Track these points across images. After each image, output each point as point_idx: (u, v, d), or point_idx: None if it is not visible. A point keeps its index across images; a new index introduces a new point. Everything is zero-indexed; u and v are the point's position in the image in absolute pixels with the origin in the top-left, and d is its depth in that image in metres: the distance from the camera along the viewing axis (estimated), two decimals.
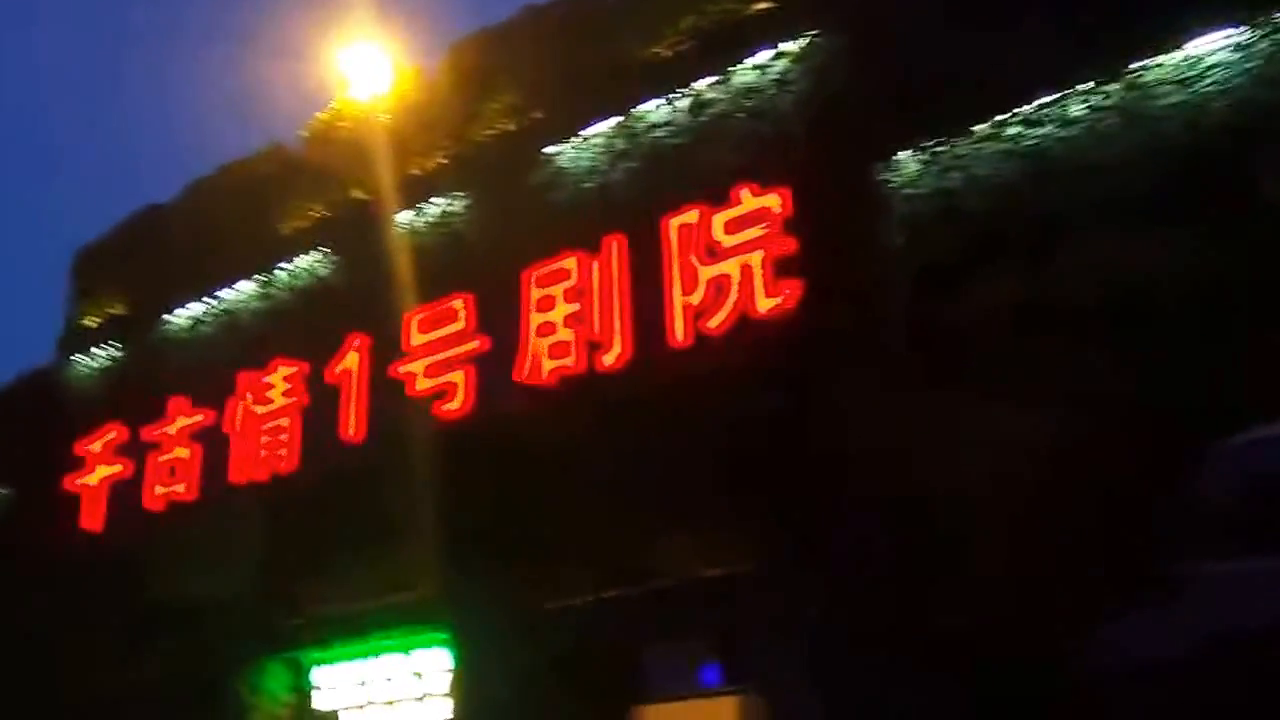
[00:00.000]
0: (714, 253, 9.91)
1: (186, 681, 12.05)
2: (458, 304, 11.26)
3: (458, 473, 10.72)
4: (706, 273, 9.90)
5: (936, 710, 7.86)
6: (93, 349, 14.49)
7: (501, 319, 10.95)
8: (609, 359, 10.19)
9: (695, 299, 9.89)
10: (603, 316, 10.33)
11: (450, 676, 10.96)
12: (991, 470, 7.79)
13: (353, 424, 11.68)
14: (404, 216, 12.05)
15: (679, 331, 9.88)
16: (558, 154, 11.22)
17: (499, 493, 10.44)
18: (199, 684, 11.97)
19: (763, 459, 9.12)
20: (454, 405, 10.99)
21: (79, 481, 13.73)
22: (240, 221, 13.33)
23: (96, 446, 13.73)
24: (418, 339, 11.46)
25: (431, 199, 11.91)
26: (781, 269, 9.53)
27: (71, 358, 14.70)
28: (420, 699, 11.42)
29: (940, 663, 7.82)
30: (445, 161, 11.95)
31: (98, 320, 14.52)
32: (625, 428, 9.90)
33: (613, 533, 9.82)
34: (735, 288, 9.70)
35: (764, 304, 9.53)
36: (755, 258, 9.66)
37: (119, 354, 14.32)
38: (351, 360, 11.89)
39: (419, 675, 11.47)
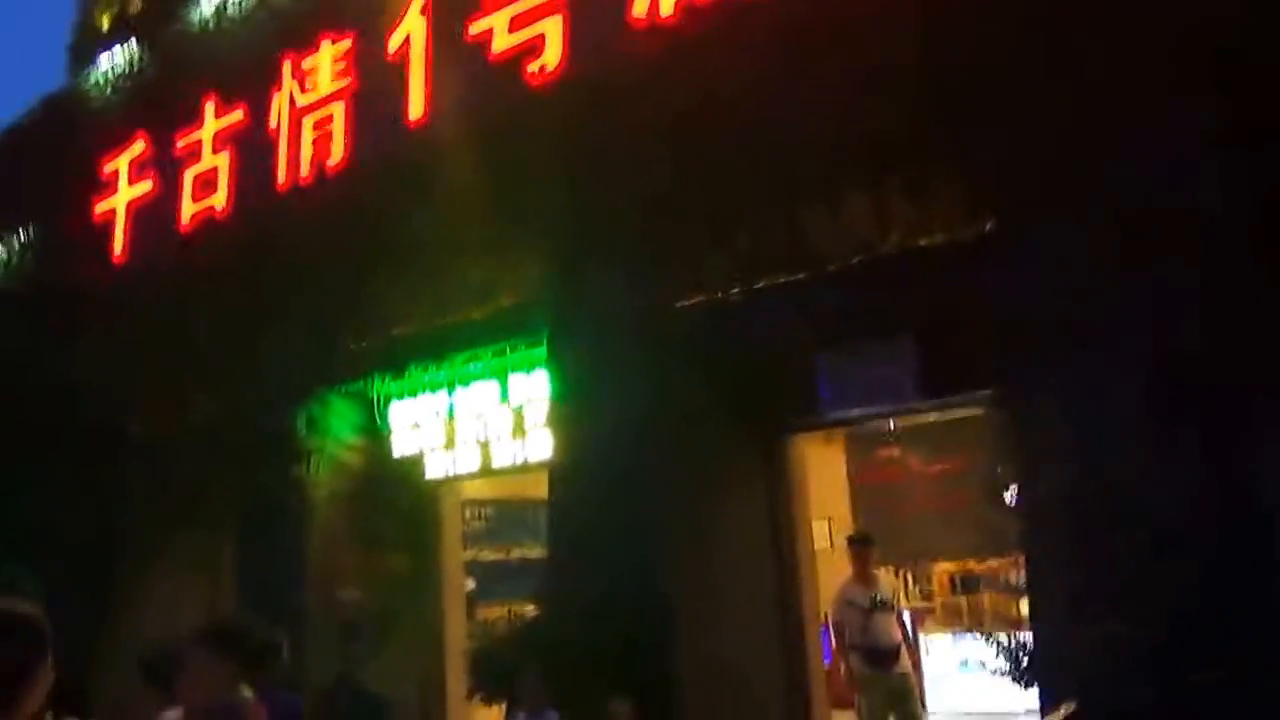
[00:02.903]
0: None
1: (240, 424, 10.12)
2: None
3: (552, 148, 8.37)
4: None
5: None
6: (109, 53, 12.15)
7: None
8: None
9: None
10: None
11: (549, 406, 8.83)
12: None
13: (418, 103, 9.33)
14: None
15: None
16: None
17: (607, 165, 8.10)
18: (255, 425, 10.03)
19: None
20: (546, 62, 8.57)
21: (104, 207, 11.62)
22: None
23: (122, 164, 11.58)
24: None
25: None
26: None
27: (86, 69, 12.40)
28: (515, 434, 9.37)
29: None
30: None
31: (111, 18, 12.15)
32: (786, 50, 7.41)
33: (767, 200, 7.51)
34: None
35: None
36: None
37: (139, 55, 11.99)
38: (414, 22, 9.47)
39: (514, 407, 9.38)
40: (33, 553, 9.52)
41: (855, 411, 7.95)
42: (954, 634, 9.88)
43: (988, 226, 6.79)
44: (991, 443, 7.63)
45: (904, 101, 7.00)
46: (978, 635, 6.34)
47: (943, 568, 13.51)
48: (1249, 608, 5.07)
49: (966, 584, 14.08)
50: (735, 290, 7.72)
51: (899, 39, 7.04)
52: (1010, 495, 14.96)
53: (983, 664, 5.86)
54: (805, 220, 7.48)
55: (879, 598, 8.79)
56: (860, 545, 9.02)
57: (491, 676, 7.73)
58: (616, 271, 8.15)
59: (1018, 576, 12.47)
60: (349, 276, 9.60)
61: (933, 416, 8.22)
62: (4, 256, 13.01)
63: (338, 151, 9.74)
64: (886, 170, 7.19)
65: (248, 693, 3.82)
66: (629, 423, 7.95)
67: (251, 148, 10.44)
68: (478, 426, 9.62)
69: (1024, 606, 9.57)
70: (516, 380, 9.30)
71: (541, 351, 8.90)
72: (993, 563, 13.64)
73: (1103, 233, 6.03)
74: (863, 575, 8.91)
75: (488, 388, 9.47)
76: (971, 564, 14.18)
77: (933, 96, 6.92)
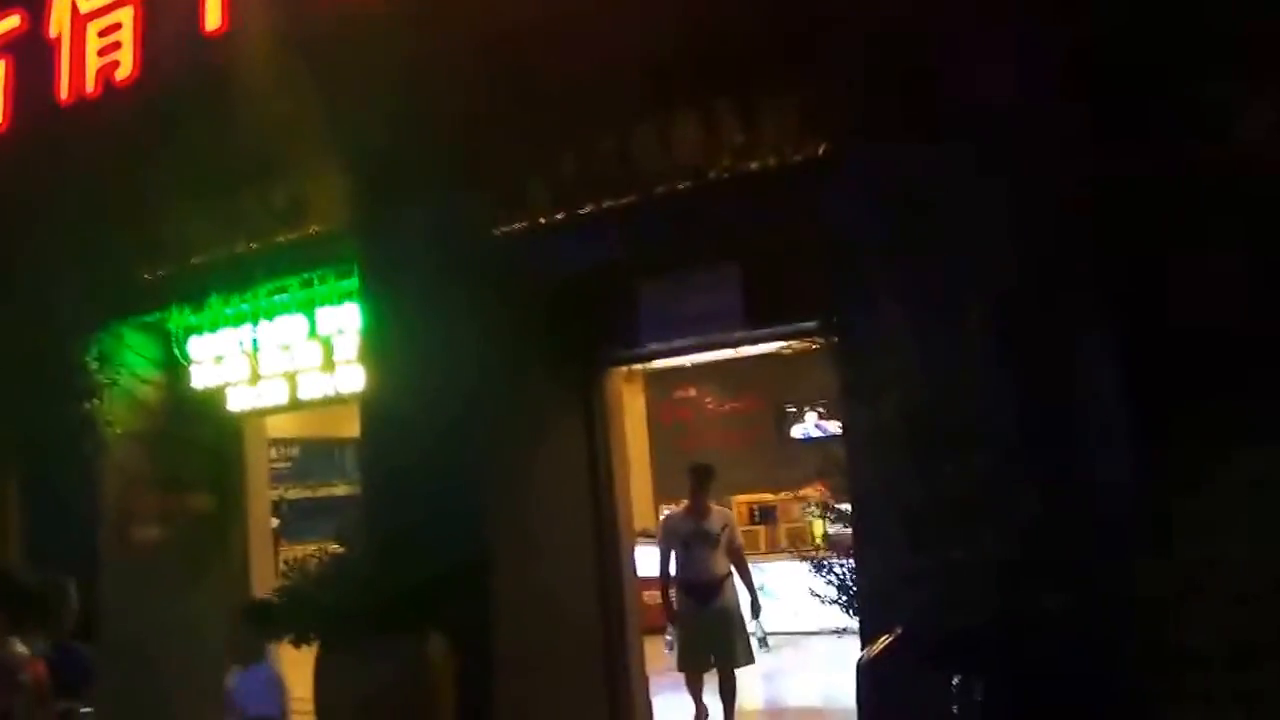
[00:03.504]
0: None
1: (19, 356, 9.37)
2: None
3: (365, 63, 7.87)
4: None
5: None
6: None
7: None
8: None
9: None
10: None
11: (360, 339, 8.41)
12: None
13: (215, 11, 8.68)
14: None
15: None
16: None
17: (423, 83, 7.66)
18: (35, 358, 9.31)
19: None
20: None
21: None
22: None
23: None
24: None
25: None
26: None
27: None
28: (324, 368, 8.92)
29: None
30: None
31: None
32: None
33: (592, 122, 7.23)
34: None
35: None
36: None
37: None
38: None
39: (322, 340, 8.92)
40: None
41: (678, 343, 7.78)
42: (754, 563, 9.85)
43: (820, 149, 6.65)
44: (785, 379, 7.55)
45: (734, 19, 6.79)
46: (804, 561, 6.26)
47: (740, 499, 13.86)
48: (1087, 529, 5.11)
49: (764, 514, 14.54)
50: (558, 216, 7.42)
51: None
52: (801, 429, 15.25)
53: (814, 593, 5.77)
54: (632, 143, 7.23)
55: (702, 529, 8.73)
56: (697, 475, 8.92)
57: (300, 616, 7.36)
58: (432, 197, 7.78)
59: (808, 507, 12.78)
60: (142, 199, 8.93)
61: (743, 351, 8.12)
62: None
63: (127, 62, 9.01)
64: (716, 91, 6.99)
65: (20, 646, 3.41)
66: (444, 355, 7.64)
67: (30, 58, 9.57)
68: (283, 360, 9.13)
69: (820, 530, 9.72)
70: (325, 312, 8.82)
71: (352, 282, 8.47)
72: (785, 494, 14.05)
73: (936, 152, 5.94)
74: (694, 507, 8.82)
75: (295, 320, 8.97)
76: (767, 495, 14.59)
77: (764, 12, 6.72)
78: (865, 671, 4.96)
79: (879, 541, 5.69)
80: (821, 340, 7.01)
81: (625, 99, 7.15)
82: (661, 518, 8.81)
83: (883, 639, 5.06)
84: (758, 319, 7.34)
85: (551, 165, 7.48)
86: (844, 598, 5.75)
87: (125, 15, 9.11)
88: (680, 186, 7.17)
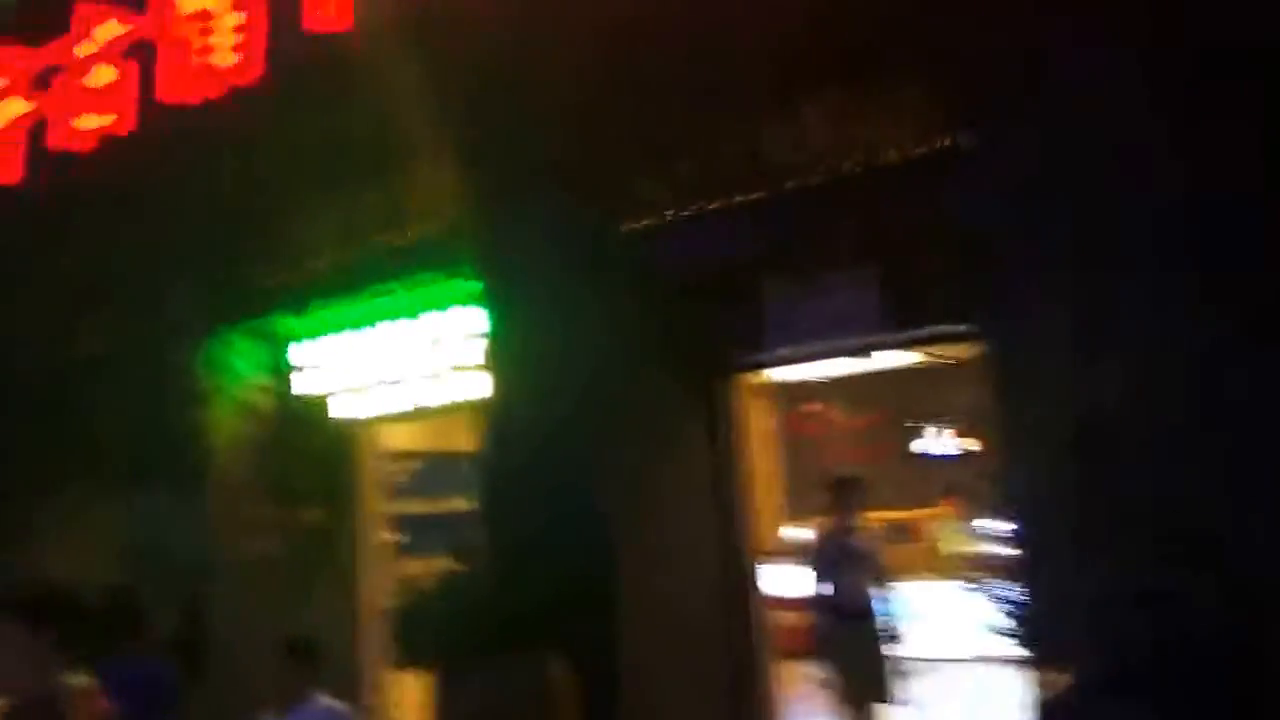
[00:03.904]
0: None
1: (131, 361, 9.22)
2: None
3: (481, 55, 7.57)
4: None
5: None
6: None
7: None
8: None
9: None
10: None
11: (483, 343, 8.07)
12: None
13: (335, 4, 8.41)
14: None
15: None
16: None
17: (542, 74, 7.34)
18: (147, 363, 9.14)
19: None
20: None
21: None
22: None
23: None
24: None
25: None
26: None
27: None
28: (438, 376, 8.60)
29: None
30: None
31: None
32: None
33: (717, 114, 6.82)
34: None
35: None
36: None
37: None
38: None
39: (435, 346, 8.60)
40: None
41: (809, 348, 7.29)
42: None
43: (957, 137, 6.15)
44: (916, 393, 7.02)
45: (866, 4, 6.35)
46: (968, 586, 5.72)
47: (872, 516, 13.22)
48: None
49: (898, 533, 13.91)
50: (684, 212, 7.00)
51: None
52: (926, 445, 14.63)
53: (986, 624, 5.24)
54: (760, 136, 6.79)
55: (852, 548, 8.11)
56: (843, 489, 8.30)
57: (417, 639, 7.03)
58: (553, 194, 7.41)
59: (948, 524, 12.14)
60: (253, 201, 8.74)
61: (878, 359, 7.60)
62: None
63: (245, 61, 8.77)
64: (847, 78, 6.53)
65: (79, 676, 3.01)
66: (566, 359, 7.25)
67: (142, 59, 9.42)
68: (395, 367, 8.83)
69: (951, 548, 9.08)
70: (440, 316, 8.51)
71: (467, 284, 8.13)
72: (919, 511, 13.42)
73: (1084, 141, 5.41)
74: (841, 523, 8.21)
75: (408, 325, 8.67)
76: (900, 513, 13.97)
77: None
78: (1056, 712, 4.41)
79: (1049, 563, 5.13)
80: (967, 345, 6.48)
81: (752, 90, 6.74)
82: (805, 534, 8.17)
83: (1062, 673, 4.51)
84: (897, 323, 6.82)
85: (676, 160, 7.08)
86: (1014, 625, 5.20)
87: (244, 15, 8.89)
88: (811, 181, 6.71)
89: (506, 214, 7.60)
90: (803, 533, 9.00)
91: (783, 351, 7.29)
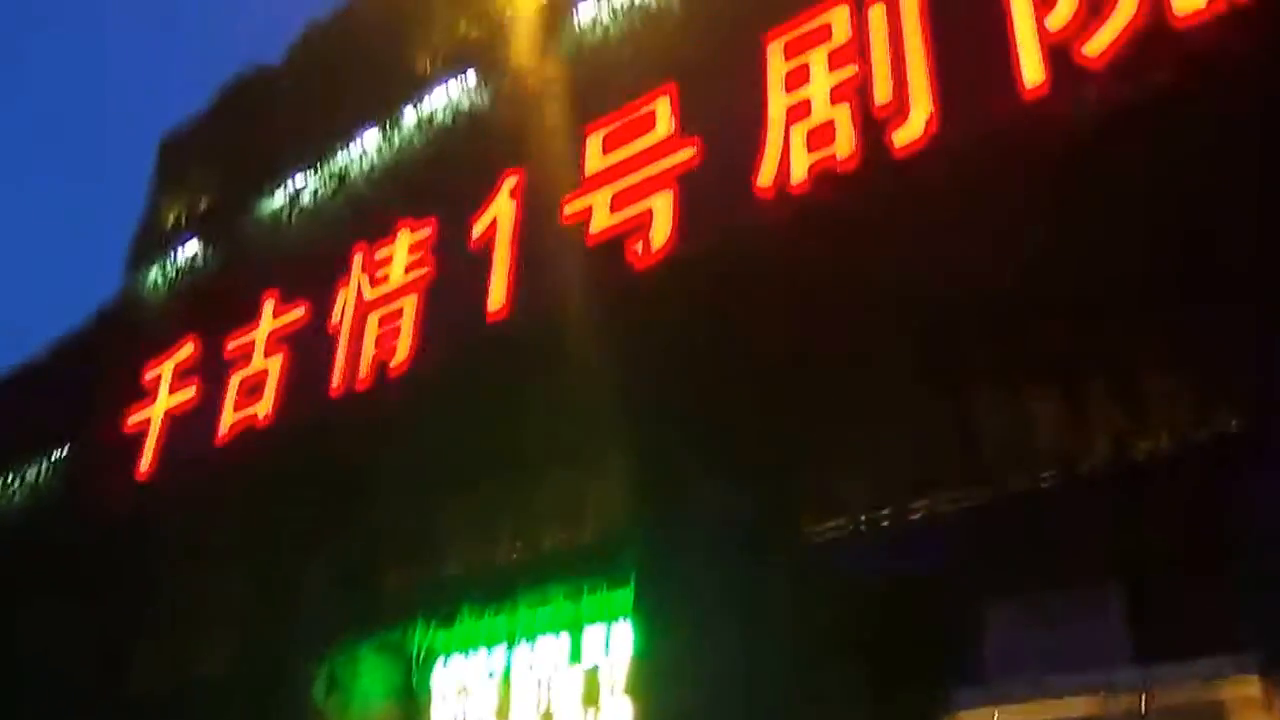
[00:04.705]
0: None
1: (256, 676, 8.30)
2: (659, 103, 7.54)
3: (652, 339, 6.88)
4: None
5: None
6: (169, 254, 11.10)
7: (721, 116, 7.21)
8: (906, 132, 6.29)
9: (1058, 19, 5.94)
10: (895, 75, 6.47)
11: (634, 664, 6.91)
12: None
13: (499, 293, 7.92)
14: (586, 9, 8.43)
15: (1030, 72, 5.93)
16: None
17: (720, 357, 6.58)
18: (272, 679, 8.19)
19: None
20: (654, 241, 7.16)
21: (139, 417, 10.27)
22: (364, 66, 9.93)
23: (166, 370, 10.30)
24: (598, 163, 7.73)
25: None
26: None
27: (143, 272, 11.33)
28: (586, 701, 7.40)
29: None
30: None
31: (180, 215, 11.15)
32: (932, 225, 5.97)
33: (926, 399, 5.85)
34: None
35: (1188, 4, 5.52)
36: None
37: (203, 253, 10.90)
38: (502, 205, 8.20)
39: (589, 669, 7.45)
40: None
41: (1041, 683, 5.90)
42: None
43: (1232, 424, 5.02)
44: None
45: (1106, 274, 5.43)
46: None
47: None
48: None
49: None
50: (882, 515, 5.91)
51: (1109, 196, 5.52)
52: None
53: None
54: (977, 425, 5.75)
55: None
56: None
57: None
58: (726, 492, 6.48)
59: None
60: (397, 498, 8.00)
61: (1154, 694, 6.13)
62: (33, 479, 11.65)
63: (403, 350, 8.33)
64: (1085, 361, 5.53)
65: None
66: (735, 684, 6.07)
67: (307, 349, 9.06)
68: (540, 693, 7.67)
69: None
70: (593, 632, 7.41)
71: (627, 595, 7.08)
72: None
73: None
74: None
75: (556, 641, 7.58)
76: None
77: (1145, 267, 5.34)
78: None
79: None
80: (1242, 682, 5.09)
81: (967, 371, 5.79)
82: None
83: None
84: (1151, 654, 5.46)
85: (874, 453, 6.06)
86: None
87: (408, 302, 8.52)
88: (1041, 482, 5.60)
89: (674, 514, 6.69)
90: None
91: (1008, 688, 5.91)
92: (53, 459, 11.48)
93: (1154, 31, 5.55)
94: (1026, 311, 5.58)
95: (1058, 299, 5.55)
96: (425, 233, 8.62)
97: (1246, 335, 5.02)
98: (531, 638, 7.75)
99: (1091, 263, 5.55)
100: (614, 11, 8.23)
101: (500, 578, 7.64)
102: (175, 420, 9.93)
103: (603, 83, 8.04)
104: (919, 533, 5.84)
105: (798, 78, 6.91)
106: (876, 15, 6.67)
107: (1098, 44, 5.73)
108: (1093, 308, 5.53)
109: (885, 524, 5.98)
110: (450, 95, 9.09)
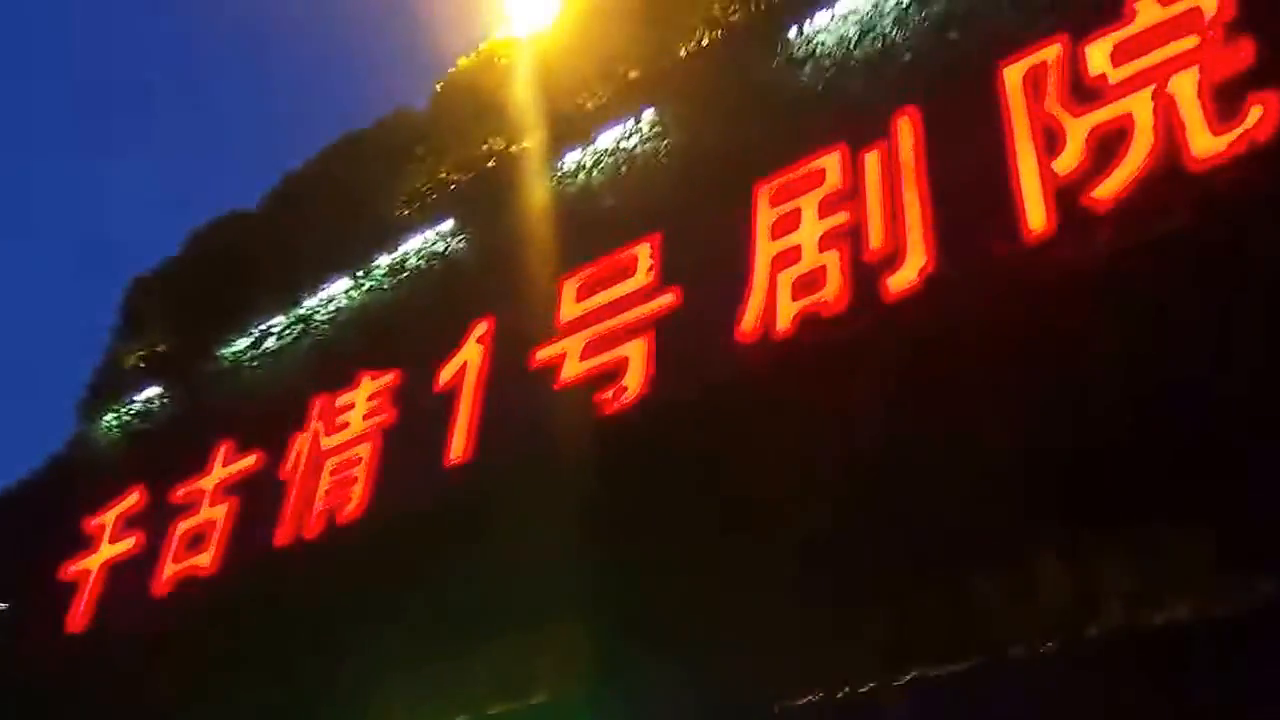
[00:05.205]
0: (1095, 94, 5.73)
1: None
2: (639, 249, 7.20)
3: (617, 489, 6.36)
4: (1082, 123, 5.68)
5: None
6: (128, 398, 10.62)
7: (704, 262, 6.88)
8: (901, 278, 5.92)
9: (1065, 163, 5.63)
10: (888, 221, 6.14)
11: None
12: None
13: (460, 440, 7.42)
14: (568, 159, 8.20)
15: (1035, 216, 5.59)
16: (805, 32, 7.33)
17: (691, 510, 6.05)
18: None
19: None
20: (626, 388, 6.72)
21: (78, 568, 9.61)
22: (339, 212, 9.66)
23: (109, 519, 9.67)
24: (573, 310, 7.34)
25: (608, 127, 8.03)
26: (1230, 92, 5.27)
27: (100, 415, 10.83)
28: None
29: None
30: (634, 76, 8.11)
31: (140, 359, 10.70)
32: (925, 380, 5.53)
33: (919, 562, 5.29)
34: (1143, 132, 5.43)
35: (1205, 145, 5.21)
36: (1184, 81, 5.42)
37: (160, 398, 10.41)
38: (470, 351, 7.78)
39: None
40: None
41: None
42: None
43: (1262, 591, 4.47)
44: None
45: (1116, 427, 4.97)
46: None
47: None
48: None
49: None
50: (865, 686, 5.29)
51: (1110, 342, 5.10)
52: None
53: None
54: (973, 586, 5.20)
55: None
56: None
57: None
58: (692, 661, 5.84)
59: None
60: (338, 663, 7.31)
61: None
62: None
63: (355, 498, 7.75)
64: (1093, 519, 5.01)
65: None
66: None
67: (255, 498, 8.48)
68: None
69: None
70: None
71: None
72: None
73: None
74: None
75: None
76: None
77: (1157, 421, 4.89)
78: None
79: None
80: None
81: (963, 528, 5.27)
82: None
83: None
84: None
85: (860, 619, 5.47)
86: None
87: (364, 449, 7.98)
88: (1042, 649, 5.02)
89: (636, 680, 6.01)
90: None
91: None
92: None
93: (1169, 173, 5.23)
94: (1024, 467, 5.08)
95: (1057, 455, 5.06)
96: (385, 381, 8.16)
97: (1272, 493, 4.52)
98: None
99: (1100, 421, 5.09)
100: (598, 157, 7.97)
101: None
102: (113, 570, 9.26)
103: (584, 230, 7.72)
104: (905, 705, 5.21)
105: (786, 224, 6.58)
106: (872, 161, 6.38)
107: (1109, 188, 5.41)
108: (1095, 473, 5.03)
109: (867, 693, 5.34)
110: (426, 241, 8.77)
